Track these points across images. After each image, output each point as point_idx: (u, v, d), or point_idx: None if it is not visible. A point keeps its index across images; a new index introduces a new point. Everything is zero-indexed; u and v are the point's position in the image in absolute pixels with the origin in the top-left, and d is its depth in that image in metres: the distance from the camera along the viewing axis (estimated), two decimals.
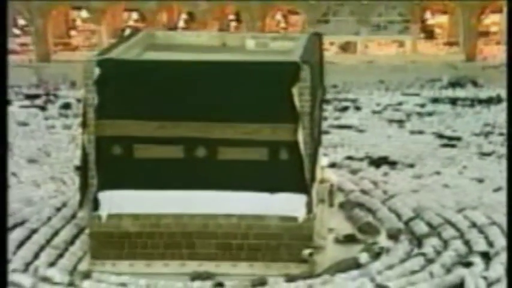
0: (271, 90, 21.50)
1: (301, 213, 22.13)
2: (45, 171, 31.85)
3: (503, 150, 33.82)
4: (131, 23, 59.60)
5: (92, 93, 21.61)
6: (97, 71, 21.54)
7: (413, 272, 21.99)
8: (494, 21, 56.95)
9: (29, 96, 46.32)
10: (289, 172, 21.72)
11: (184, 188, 21.84)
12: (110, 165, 21.94)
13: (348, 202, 27.52)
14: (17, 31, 58.95)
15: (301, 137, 21.52)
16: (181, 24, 59.21)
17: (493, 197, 28.02)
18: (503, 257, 22.47)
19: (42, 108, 43.74)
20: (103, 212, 22.30)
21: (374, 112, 42.88)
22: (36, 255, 23.14)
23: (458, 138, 37.21)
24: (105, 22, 55.28)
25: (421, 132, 38.65)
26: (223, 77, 21.69)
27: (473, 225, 25.16)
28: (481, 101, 44.49)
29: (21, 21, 57.95)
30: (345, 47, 55.39)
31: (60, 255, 23.20)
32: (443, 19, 59.20)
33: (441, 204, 27.14)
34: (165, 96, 21.68)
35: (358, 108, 43.61)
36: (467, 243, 23.87)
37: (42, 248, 23.60)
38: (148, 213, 22.19)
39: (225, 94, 21.60)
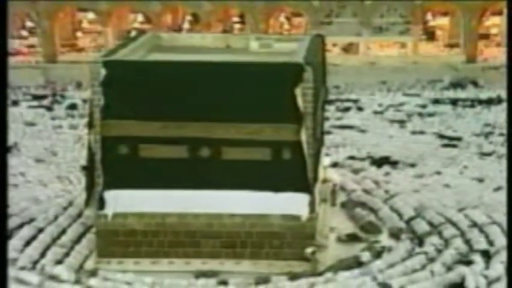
0: (274, 90, 21.50)
1: (303, 213, 22.12)
2: (52, 170, 31.88)
3: (503, 150, 33.76)
4: (136, 24, 59.67)
5: (98, 94, 21.63)
6: (103, 72, 21.55)
7: (415, 271, 21.96)
8: (494, 23, 56.89)
9: (36, 97, 46.37)
10: (292, 172, 21.71)
11: (188, 188, 21.86)
12: (115, 164, 21.95)
13: (350, 201, 27.50)
14: (24, 33, 59.08)
15: (304, 137, 21.51)
16: (185, 25, 59.24)
17: (493, 197, 27.97)
18: (503, 255, 22.44)
19: (49, 108, 43.78)
20: (109, 210, 22.32)
21: (376, 112, 42.84)
22: (43, 254, 23.16)
23: (459, 139, 37.16)
24: (111, 24, 55.33)
25: (422, 133, 38.60)
26: (227, 78, 21.69)
27: (474, 224, 25.12)
28: (481, 102, 44.44)
29: (29, 23, 58.05)
30: (347, 48, 55.36)
31: (67, 254, 23.22)
32: (444, 21, 59.16)
33: (442, 204, 27.10)
34: (169, 97, 21.68)
35: (360, 109, 43.57)
36: (467, 242, 23.84)
37: (49, 247, 23.62)
38: (153, 212, 22.20)
39: (228, 95, 21.60)
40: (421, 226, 25.13)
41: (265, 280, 21.47)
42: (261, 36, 29.17)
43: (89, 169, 22.63)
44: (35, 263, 22.62)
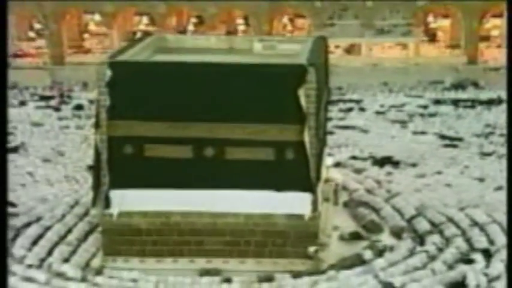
0: (277, 91, 21.49)
1: (306, 212, 22.10)
2: (59, 170, 31.89)
3: (503, 150, 33.69)
4: (142, 26, 59.75)
5: (104, 95, 21.63)
6: (109, 73, 21.55)
7: (416, 269, 21.93)
8: (495, 25, 56.83)
9: (44, 98, 46.43)
10: (295, 171, 21.69)
11: (192, 187, 21.84)
12: (121, 164, 21.95)
13: (352, 201, 27.47)
14: (32, 35, 59.17)
15: (307, 137, 21.49)
16: (190, 27, 59.27)
17: (493, 196, 27.92)
18: (503, 254, 22.40)
19: (56, 109, 43.82)
20: (114, 209, 22.32)
21: (378, 113, 42.80)
22: (50, 252, 23.18)
23: (460, 139, 37.11)
24: (117, 26, 55.38)
25: (423, 133, 38.54)
26: (231, 79, 21.68)
27: (475, 223, 25.08)
28: (482, 103, 44.38)
29: (37, 26, 58.15)
30: (350, 50, 55.34)
31: (73, 252, 23.24)
32: (445, 23, 59.10)
33: (443, 203, 27.07)
34: (174, 98, 21.67)
35: (362, 109, 43.53)
36: (468, 240, 23.80)
37: (56, 245, 23.64)
38: (158, 211, 22.20)
39: (232, 95, 21.59)
40: (423, 225, 25.08)
41: (269, 278, 21.45)
42: (265, 38, 29.17)
43: (95, 169, 22.62)
44: (42, 261, 22.65)
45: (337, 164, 30.82)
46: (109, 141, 21.90)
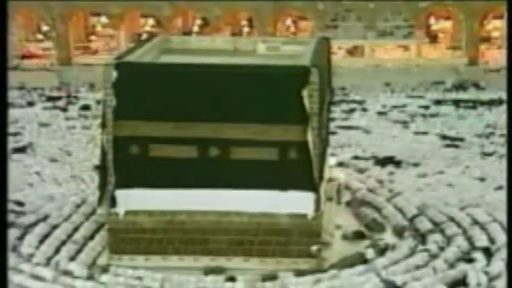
0: (281, 92, 21.46)
1: (309, 211, 22.06)
2: (66, 170, 31.90)
3: (504, 150, 33.60)
4: (148, 28, 59.68)
5: (110, 95, 21.63)
6: (115, 74, 21.55)
7: (418, 267, 21.89)
8: (496, 26, 56.66)
9: (51, 98, 46.44)
10: (299, 171, 21.65)
11: (197, 186, 21.83)
12: (127, 164, 21.95)
13: (355, 200, 27.42)
14: (40, 36, 59.22)
15: (310, 137, 21.46)
16: (195, 29, 59.20)
17: (494, 196, 27.85)
18: (503, 253, 22.34)
19: (63, 109, 43.82)
20: (120, 209, 22.32)
21: (380, 113, 42.73)
22: (57, 250, 23.20)
23: (461, 139, 37.03)
24: (123, 27, 55.36)
25: (425, 133, 38.47)
26: (235, 80, 21.66)
27: (475, 222, 25.02)
28: (483, 103, 44.27)
29: (44, 27, 58.20)
30: (353, 51, 55.20)
31: (80, 250, 23.25)
32: (447, 24, 58.94)
33: (444, 202, 27.01)
34: (179, 98, 21.66)
35: (364, 110, 43.44)
36: (469, 239, 23.75)
37: (63, 243, 23.65)
38: (163, 210, 22.19)
39: (237, 96, 21.57)
40: (424, 224, 25.03)
41: (272, 277, 21.43)
42: (269, 40, 29.15)
43: (101, 168, 22.63)
44: (50, 259, 22.67)
45: (340, 164, 30.76)
46: (115, 141, 21.89)
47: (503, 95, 42.61)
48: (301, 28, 59.47)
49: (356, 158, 33.46)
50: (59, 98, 46.38)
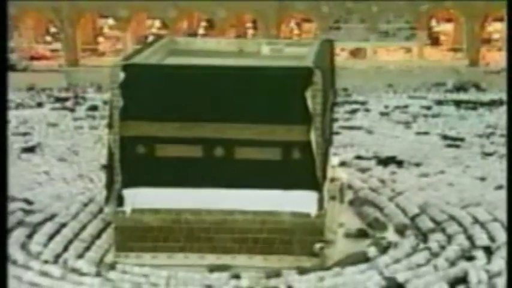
0: (285, 93, 21.44)
1: (313, 210, 22.04)
2: (73, 169, 31.93)
3: (504, 150, 33.52)
4: (154, 30, 59.71)
5: (117, 96, 21.63)
6: (122, 75, 21.55)
7: (419, 265, 21.84)
8: (496, 28, 56.57)
9: (59, 99, 46.50)
10: (302, 171, 21.63)
11: (202, 186, 21.82)
12: (133, 163, 21.95)
13: (357, 199, 27.39)
14: (48, 38, 59.34)
15: (313, 137, 21.43)
16: (200, 31, 59.22)
17: (494, 195, 27.78)
18: (504, 251, 22.29)
19: (71, 110, 43.87)
20: (127, 207, 22.32)
21: (382, 114, 42.68)
22: (65, 248, 23.20)
23: (462, 139, 36.97)
24: (130, 29, 55.43)
25: (426, 133, 38.41)
26: (240, 81, 21.64)
27: (476, 221, 24.97)
28: (483, 104, 44.19)
29: (53, 29, 58.31)
30: (355, 53, 55.17)
31: (88, 248, 23.26)
32: (448, 27, 58.87)
33: (445, 201, 26.97)
34: (185, 99, 21.66)
35: (367, 111, 43.39)
36: (470, 238, 23.69)
37: (70, 241, 23.66)
38: (169, 208, 22.18)
39: (241, 97, 21.55)
40: (426, 223, 24.99)
41: (276, 274, 21.41)
42: (273, 41, 29.14)
43: (108, 168, 22.64)
44: (58, 256, 22.67)
45: (343, 164, 30.72)
46: (122, 141, 21.89)
47: (504, 96, 42.56)
48: (304, 30, 59.43)
49: (359, 157, 33.42)
50: (67, 99, 46.45)
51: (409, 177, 30.75)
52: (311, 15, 54.74)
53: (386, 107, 44.02)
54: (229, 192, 21.81)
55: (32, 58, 55.28)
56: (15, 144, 35.59)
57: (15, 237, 23.75)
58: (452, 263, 21.98)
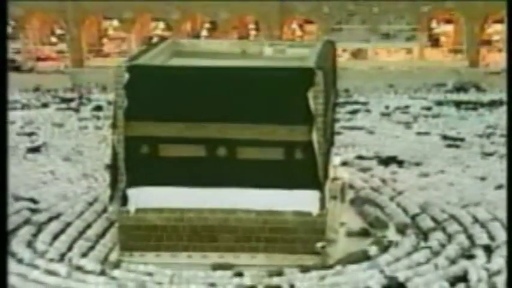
0: (287, 93, 21.43)
1: (314, 209, 22.02)
2: (78, 168, 31.93)
3: (504, 150, 33.47)
4: (158, 31, 59.69)
5: (121, 97, 21.64)
6: (126, 76, 21.56)
7: (420, 264, 21.83)
8: (496, 30, 56.48)
9: (64, 100, 46.51)
10: (304, 170, 21.62)
11: (206, 185, 21.81)
12: (137, 163, 21.96)
13: (359, 198, 27.37)
14: (54, 39, 59.40)
15: (315, 137, 21.42)
16: (204, 32, 59.19)
17: (494, 194, 27.74)
18: (504, 250, 22.27)
19: (76, 110, 43.88)
20: (131, 206, 22.33)
21: (383, 114, 42.64)
22: (70, 246, 23.22)
23: (462, 139, 36.91)
24: (135, 31, 55.47)
25: (427, 133, 38.36)
26: (242, 82, 21.64)
27: (476, 220, 24.95)
28: (483, 105, 44.13)
29: (58, 31, 58.36)
30: (357, 54, 55.13)
31: (92, 247, 23.28)
32: (448, 28, 58.78)
33: (446, 201, 26.93)
34: (188, 100, 21.66)
35: (368, 111, 43.35)
36: (470, 237, 23.67)
37: (75, 240, 23.67)
38: (172, 208, 22.18)
39: (244, 97, 21.55)
40: (426, 222, 24.96)
41: (278, 272, 21.40)
42: (275, 43, 29.12)
43: (112, 167, 22.63)
44: (63, 255, 22.70)
45: (344, 163, 30.68)
46: (126, 141, 21.90)
47: (503, 97, 42.52)
48: (306, 31, 59.38)
49: (360, 157, 33.38)
50: (72, 100, 46.47)
51: (409, 177, 30.71)
52: (313, 17, 54.71)
53: (387, 107, 43.97)
54: (232, 192, 21.80)
55: (38, 59, 55.35)
56: (20, 144, 35.64)
57: (21, 236, 23.79)
58: (453, 262, 21.95)
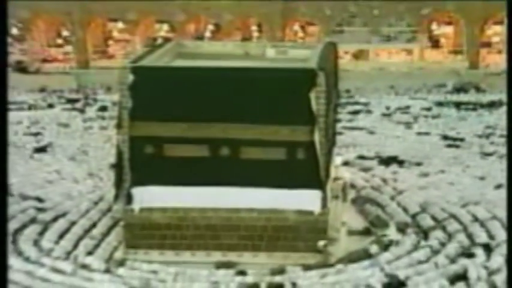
0: (289, 94, 21.41)
1: (316, 208, 22.01)
2: (83, 168, 31.95)
3: (503, 150, 33.46)
4: (162, 33, 59.79)
5: (126, 97, 21.64)
6: (131, 77, 21.56)
7: (420, 262, 21.80)
8: (496, 31, 56.52)
9: (70, 100, 46.63)
10: (306, 170, 21.60)
11: (209, 184, 21.80)
12: (142, 163, 21.95)
13: (360, 198, 27.34)
14: (60, 41, 59.52)
15: (317, 137, 21.41)
16: (207, 34, 59.28)
17: (494, 194, 27.72)
18: (503, 248, 22.24)
19: (82, 111, 43.96)
20: (136, 205, 22.32)
21: (384, 115, 42.65)
22: (76, 245, 23.23)
23: (462, 139, 36.90)
24: (139, 33, 55.58)
25: (427, 134, 38.36)
26: (245, 83, 21.63)
27: (476, 219, 24.91)
28: (483, 105, 44.15)
29: (64, 33, 58.47)
30: (358, 55, 55.19)
31: (98, 245, 23.27)
32: (448, 29, 58.83)
33: (446, 200, 26.90)
34: (192, 100, 21.64)
35: (369, 111, 43.37)
36: (470, 236, 23.64)
37: (81, 238, 23.68)
38: (176, 207, 22.18)
39: (247, 98, 21.54)
40: (426, 221, 24.93)
41: (281, 271, 21.38)
42: (277, 44, 29.17)
43: (117, 167, 22.63)
44: (69, 253, 22.70)
45: (346, 163, 30.65)
46: (131, 141, 21.90)
47: (503, 97, 42.52)
48: (308, 33, 59.44)
49: (361, 157, 33.37)
50: (77, 100, 46.56)
51: (410, 177, 30.69)
52: (315, 19, 54.76)
53: (387, 108, 43.98)
54: (235, 191, 21.79)
55: (44, 60, 55.46)
56: (27, 144, 35.68)
57: (28, 235, 23.81)
58: (453, 260, 21.93)
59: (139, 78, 21.54)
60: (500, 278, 20.46)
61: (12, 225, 24.22)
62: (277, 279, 21.05)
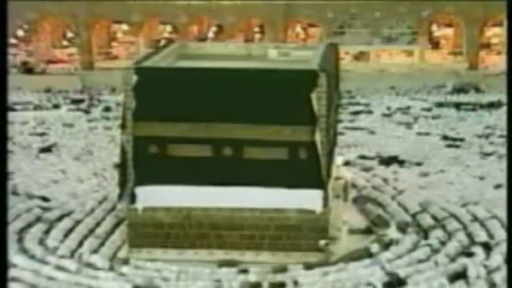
0: (291, 95, 21.40)
1: (318, 207, 21.99)
2: (88, 168, 31.96)
3: (503, 150, 33.41)
4: (166, 34, 59.86)
5: (130, 98, 21.64)
6: (135, 77, 21.56)
7: (420, 261, 21.77)
8: (495, 33, 56.48)
9: (75, 101, 46.63)
10: (307, 170, 21.58)
11: (212, 184, 21.79)
12: (145, 162, 21.94)
13: (361, 197, 27.31)
14: (65, 43, 59.59)
15: (318, 137, 21.39)
16: (210, 35, 59.31)
17: (493, 193, 27.67)
18: (502, 247, 22.20)
19: (86, 111, 43.98)
20: (139, 205, 22.32)
21: (384, 115, 42.61)
22: (80, 243, 23.23)
23: (462, 140, 36.85)
24: (143, 34, 55.61)
25: (427, 134, 38.32)
26: (248, 83, 21.62)
27: (475, 218, 24.87)
28: (482, 106, 44.09)
29: (69, 34, 58.54)
30: (359, 56, 55.17)
31: (102, 244, 23.27)
32: (448, 31, 58.81)
33: (446, 200, 26.86)
34: (195, 101, 21.64)
35: (370, 112, 43.32)
36: (469, 235, 23.60)
37: (85, 237, 23.68)
38: (179, 206, 22.17)
39: (249, 99, 21.52)
40: (426, 220, 24.90)
41: (282, 269, 21.36)
42: (280, 45, 29.17)
43: (121, 167, 22.63)
44: (73, 251, 22.71)
45: (347, 163, 30.62)
46: (134, 141, 21.91)
47: (502, 98, 42.47)
48: (310, 34, 59.45)
49: (362, 157, 33.34)
50: (82, 101, 46.57)
51: (410, 176, 30.65)
52: (316, 20, 54.74)
53: (388, 108, 43.94)
54: (237, 190, 21.77)
55: (49, 61, 55.52)
56: (33, 144, 35.70)
57: (33, 233, 23.82)
58: (452, 259, 21.89)
59: (143, 79, 21.54)
60: (500, 277, 20.43)
61: (18, 224, 24.26)
62: (279, 277, 21.03)
